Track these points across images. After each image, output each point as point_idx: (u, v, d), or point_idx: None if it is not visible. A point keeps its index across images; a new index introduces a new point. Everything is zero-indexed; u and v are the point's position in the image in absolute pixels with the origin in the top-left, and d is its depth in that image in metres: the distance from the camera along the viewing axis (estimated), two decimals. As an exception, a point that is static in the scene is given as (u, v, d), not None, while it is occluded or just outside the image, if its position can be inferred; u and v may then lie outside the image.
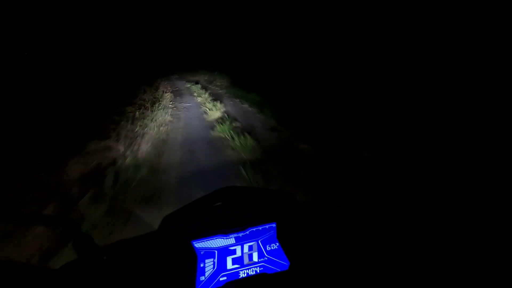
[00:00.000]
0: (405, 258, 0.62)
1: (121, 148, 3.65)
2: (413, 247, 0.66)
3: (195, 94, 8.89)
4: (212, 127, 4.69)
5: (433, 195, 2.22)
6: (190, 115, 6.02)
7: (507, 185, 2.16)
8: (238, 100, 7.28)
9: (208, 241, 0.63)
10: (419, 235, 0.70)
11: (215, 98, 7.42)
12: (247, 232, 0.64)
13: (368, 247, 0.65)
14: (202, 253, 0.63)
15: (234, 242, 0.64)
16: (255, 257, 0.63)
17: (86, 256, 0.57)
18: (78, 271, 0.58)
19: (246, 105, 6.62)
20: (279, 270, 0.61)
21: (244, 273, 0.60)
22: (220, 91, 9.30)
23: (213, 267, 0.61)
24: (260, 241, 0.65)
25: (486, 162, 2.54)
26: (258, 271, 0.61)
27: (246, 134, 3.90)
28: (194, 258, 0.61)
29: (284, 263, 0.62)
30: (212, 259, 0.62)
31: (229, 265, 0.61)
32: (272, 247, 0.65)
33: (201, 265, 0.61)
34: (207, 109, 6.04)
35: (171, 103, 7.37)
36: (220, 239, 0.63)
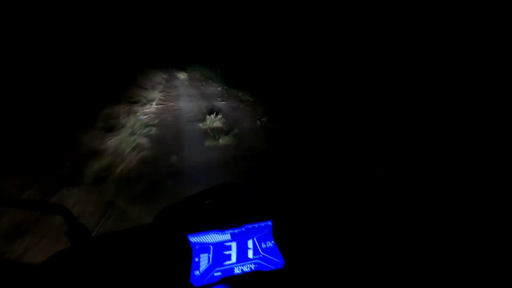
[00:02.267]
0: (402, 258, 0.63)
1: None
2: (410, 246, 0.67)
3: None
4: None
5: (432, 194, 2.25)
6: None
7: (506, 185, 2.19)
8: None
9: (203, 236, 0.62)
10: (416, 234, 0.71)
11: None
12: (243, 229, 0.64)
13: (365, 247, 0.66)
14: (197, 247, 0.63)
15: (230, 238, 0.64)
16: (250, 254, 0.63)
17: (78, 245, 0.56)
18: (69, 260, 0.58)
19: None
20: (273, 268, 0.61)
21: (238, 269, 0.60)
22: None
23: (208, 262, 0.61)
24: (256, 239, 0.65)
25: (485, 161, 2.56)
26: (252, 268, 0.61)
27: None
28: (189, 252, 0.61)
29: (279, 261, 0.62)
30: (207, 254, 0.62)
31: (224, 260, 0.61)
32: (267, 245, 0.65)
33: (196, 259, 0.61)
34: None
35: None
36: (215, 234, 0.63)
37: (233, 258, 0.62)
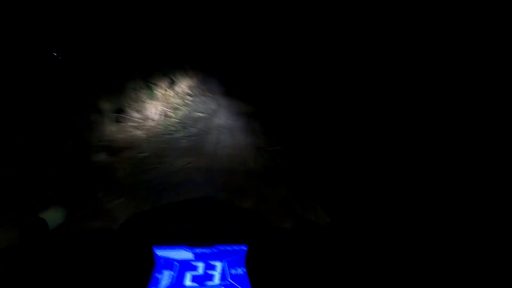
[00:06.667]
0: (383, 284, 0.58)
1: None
2: (396, 271, 0.62)
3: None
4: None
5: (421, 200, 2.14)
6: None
7: (507, 185, 2.09)
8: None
9: (170, 251, 0.58)
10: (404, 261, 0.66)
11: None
12: (214, 250, 0.59)
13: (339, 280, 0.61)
14: (162, 261, 0.58)
15: (198, 257, 0.59)
16: (216, 279, 0.58)
17: (33, 241, 0.52)
18: (22, 256, 0.54)
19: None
20: None
21: None
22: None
23: (171, 282, 0.56)
24: (226, 262, 0.60)
25: (485, 162, 2.46)
26: None
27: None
28: (151, 266, 0.57)
29: None
30: (170, 272, 0.57)
31: (187, 281, 0.57)
32: (237, 271, 0.60)
33: (158, 275, 0.56)
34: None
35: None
36: (183, 251, 0.58)
37: (198, 281, 0.57)
